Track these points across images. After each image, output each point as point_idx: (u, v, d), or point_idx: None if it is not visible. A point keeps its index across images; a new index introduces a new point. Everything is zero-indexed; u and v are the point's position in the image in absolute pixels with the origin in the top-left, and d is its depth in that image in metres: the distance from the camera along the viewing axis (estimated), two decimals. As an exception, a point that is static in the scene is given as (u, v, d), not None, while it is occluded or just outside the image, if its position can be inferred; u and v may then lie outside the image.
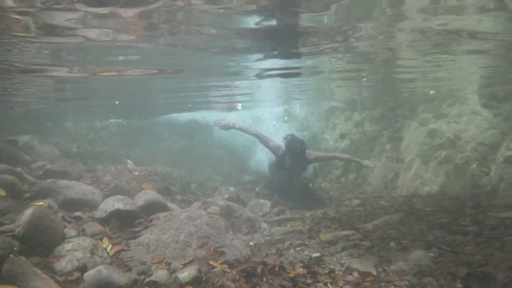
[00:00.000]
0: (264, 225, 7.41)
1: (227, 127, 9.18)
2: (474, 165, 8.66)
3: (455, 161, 8.97)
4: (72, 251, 4.84)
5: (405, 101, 12.25)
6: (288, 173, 9.39)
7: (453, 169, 8.90)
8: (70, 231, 5.44)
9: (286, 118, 15.84)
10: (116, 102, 13.96)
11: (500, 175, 8.12)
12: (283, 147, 8.86)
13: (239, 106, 17.61)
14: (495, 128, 9.19)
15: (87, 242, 5.07)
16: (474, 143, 9.10)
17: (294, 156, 8.61)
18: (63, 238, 5.15)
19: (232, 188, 8.98)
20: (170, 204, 7.49)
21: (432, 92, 11.61)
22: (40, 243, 4.83)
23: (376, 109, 12.74)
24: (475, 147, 9.02)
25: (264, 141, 9.27)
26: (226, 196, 8.52)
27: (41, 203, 6.10)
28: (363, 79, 10.40)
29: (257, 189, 10.26)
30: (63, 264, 4.59)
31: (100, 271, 4.28)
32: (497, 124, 9.30)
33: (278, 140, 9.44)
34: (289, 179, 9.74)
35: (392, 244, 5.71)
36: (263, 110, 18.86)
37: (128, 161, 9.25)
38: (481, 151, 8.92)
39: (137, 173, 8.80)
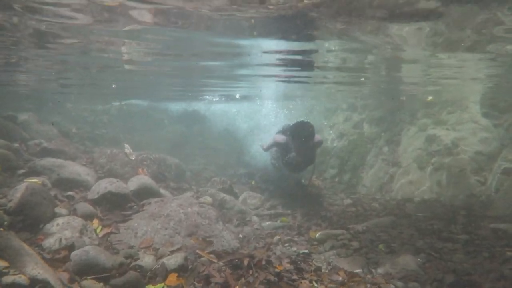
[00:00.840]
0: (255, 218, 7.43)
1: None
2: (470, 174, 8.65)
3: (451, 168, 8.97)
4: (62, 229, 4.85)
5: (403, 105, 12.21)
6: (295, 166, 8.37)
7: (449, 176, 8.89)
8: (61, 209, 5.44)
9: (286, 111, 15.80)
10: (113, 86, 13.86)
11: (496, 186, 8.11)
12: (286, 136, 8.24)
13: (237, 95, 17.61)
14: (494, 139, 9.17)
15: (77, 221, 5.08)
16: (472, 152, 9.08)
17: (301, 142, 7.72)
18: (53, 216, 5.15)
19: (226, 180, 8.98)
20: (163, 191, 7.50)
21: (430, 98, 11.59)
22: (30, 219, 4.83)
23: (376, 110, 12.71)
24: (472, 156, 9.00)
25: (275, 144, 8.62)
26: (219, 187, 8.52)
27: (35, 179, 6.11)
28: (361, 79, 10.40)
29: (253, 182, 10.25)
30: (52, 242, 4.59)
31: (87, 251, 4.28)
32: (496, 134, 9.28)
33: (278, 133, 9.16)
34: (295, 171, 8.92)
35: (381, 246, 5.72)
36: (261, 103, 18.83)
37: (126, 145, 9.25)
38: (478, 161, 8.90)
39: (133, 157, 8.80)
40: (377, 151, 11.61)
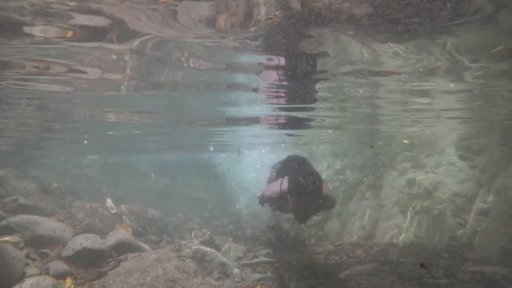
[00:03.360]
0: (236, 270, 7.27)
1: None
2: (450, 216, 8.72)
3: (432, 211, 9.03)
4: (31, 291, 4.69)
5: (381, 149, 12.46)
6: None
7: (430, 219, 8.93)
8: (32, 269, 5.29)
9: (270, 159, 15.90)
10: (85, 142, 13.80)
11: (475, 228, 8.17)
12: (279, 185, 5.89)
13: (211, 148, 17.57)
14: (470, 180, 9.34)
15: (47, 281, 4.92)
16: (451, 194, 9.21)
17: (302, 197, 5.13)
18: (23, 277, 5.00)
19: (207, 232, 8.87)
20: (142, 245, 7.35)
21: (405, 141, 11.89)
22: (-3, 281, 4.68)
23: (358, 156, 12.91)
24: (451, 198, 9.11)
25: (267, 199, 6.63)
26: (201, 239, 8.39)
27: (7, 238, 5.97)
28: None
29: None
30: (19, 305, 4.43)
31: (55, 313, 4.13)
32: (473, 176, 9.46)
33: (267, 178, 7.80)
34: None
35: (362, 295, 5.63)
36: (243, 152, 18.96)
37: (108, 199, 9.16)
38: (458, 203, 9.01)
39: (115, 211, 8.69)
40: (360, 197, 11.66)
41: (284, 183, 5.59)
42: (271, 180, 7.36)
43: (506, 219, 7.74)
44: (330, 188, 6.72)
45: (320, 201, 5.26)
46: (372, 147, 12.85)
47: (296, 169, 5.61)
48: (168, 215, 11.35)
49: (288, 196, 5.37)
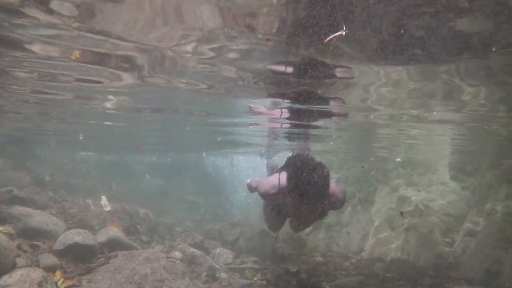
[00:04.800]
0: (224, 275, 7.33)
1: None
2: (439, 235, 8.82)
3: (420, 229, 9.13)
4: (19, 281, 4.74)
5: (372, 166, 12.57)
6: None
7: (418, 237, 9.03)
8: (22, 260, 5.35)
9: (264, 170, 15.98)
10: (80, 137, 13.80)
11: (462, 248, 8.27)
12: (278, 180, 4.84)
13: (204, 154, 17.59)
14: (461, 201, 9.47)
15: (36, 273, 4.97)
16: (441, 213, 9.32)
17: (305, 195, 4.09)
18: (12, 267, 5.05)
19: (197, 235, 8.94)
20: (133, 244, 7.41)
21: (398, 159, 12.03)
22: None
23: (351, 170, 13.03)
24: (441, 218, 9.22)
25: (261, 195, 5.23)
26: (191, 242, 8.46)
27: (0, 228, 6.03)
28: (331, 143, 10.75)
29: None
30: (7, 294, 4.48)
31: (43, 304, 4.19)
32: (464, 196, 9.59)
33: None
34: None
35: (346, 306, 5.71)
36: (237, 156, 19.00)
37: (103, 196, 9.23)
38: (447, 222, 9.12)
39: (109, 209, 8.76)
40: (352, 210, 11.76)
41: (282, 177, 4.65)
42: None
43: (493, 241, 7.85)
44: (339, 184, 5.37)
45: (326, 200, 4.40)
46: (363, 167, 12.94)
47: (296, 163, 4.40)
48: (160, 216, 11.41)
49: (287, 194, 4.29)
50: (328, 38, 2.57)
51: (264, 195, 5.09)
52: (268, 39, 2.84)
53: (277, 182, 4.79)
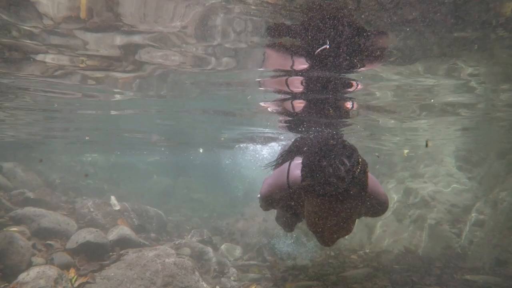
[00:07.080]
0: (233, 270, 7.45)
1: None
2: (446, 226, 8.87)
3: (428, 221, 9.18)
4: (37, 278, 4.88)
5: (381, 159, 12.60)
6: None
7: (426, 228, 9.08)
8: (38, 258, 5.50)
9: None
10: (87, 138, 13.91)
11: (470, 238, 8.31)
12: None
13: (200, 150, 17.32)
14: (468, 191, 9.50)
15: (52, 271, 5.11)
16: (448, 204, 9.36)
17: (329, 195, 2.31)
18: (30, 265, 5.20)
19: (206, 231, 9.06)
20: (143, 242, 7.55)
21: (406, 151, 12.04)
22: (6, 267, 4.88)
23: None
24: (448, 209, 9.26)
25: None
26: (199, 238, 8.59)
27: (15, 228, 6.19)
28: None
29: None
30: (25, 291, 4.62)
31: (59, 300, 4.32)
32: (470, 187, 9.62)
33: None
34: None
35: (354, 297, 5.79)
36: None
37: (112, 196, 9.40)
38: (454, 213, 9.15)
39: (118, 208, 8.91)
40: (358, 203, 11.81)
41: (293, 170, 3.03)
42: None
43: (501, 231, 7.89)
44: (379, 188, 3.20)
45: (361, 202, 2.53)
46: (378, 156, 12.98)
47: (314, 144, 2.87)
48: (168, 215, 11.55)
49: (302, 193, 2.62)
50: (317, 51, 2.88)
51: (267, 201, 3.34)
52: (280, 42, 2.95)
53: (285, 177, 3.07)
